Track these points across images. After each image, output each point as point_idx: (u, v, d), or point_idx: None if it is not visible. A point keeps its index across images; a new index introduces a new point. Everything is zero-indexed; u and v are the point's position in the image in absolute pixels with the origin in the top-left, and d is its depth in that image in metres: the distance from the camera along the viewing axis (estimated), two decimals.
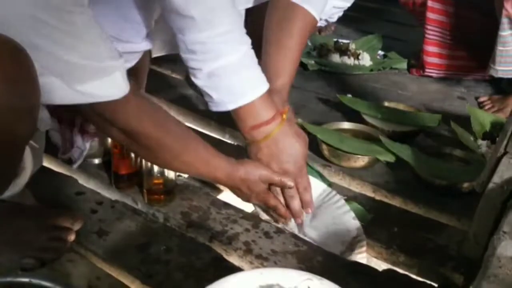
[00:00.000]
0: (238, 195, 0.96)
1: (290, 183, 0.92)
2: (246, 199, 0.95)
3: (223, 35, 0.87)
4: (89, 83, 0.70)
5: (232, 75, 0.88)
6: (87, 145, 1.05)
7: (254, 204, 1.00)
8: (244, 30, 0.91)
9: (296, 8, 0.99)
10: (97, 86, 0.71)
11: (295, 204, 0.95)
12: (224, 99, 0.90)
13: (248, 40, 0.91)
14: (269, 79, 0.95)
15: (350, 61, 1.73)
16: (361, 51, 1.76)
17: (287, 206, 0.95)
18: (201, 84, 0.91)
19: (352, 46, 1.79)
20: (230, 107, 0.91)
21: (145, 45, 1.09)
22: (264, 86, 0.91)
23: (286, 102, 1.00)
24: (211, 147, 0.90)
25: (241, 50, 0.89)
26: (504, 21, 1.36)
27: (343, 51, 1.76)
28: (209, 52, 0.87)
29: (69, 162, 1.09)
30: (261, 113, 0.91)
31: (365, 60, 1.73)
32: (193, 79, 0.92)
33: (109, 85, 0.72)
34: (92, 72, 0.70)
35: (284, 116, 0.94)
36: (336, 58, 1.73)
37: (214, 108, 0.93)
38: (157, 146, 0.83)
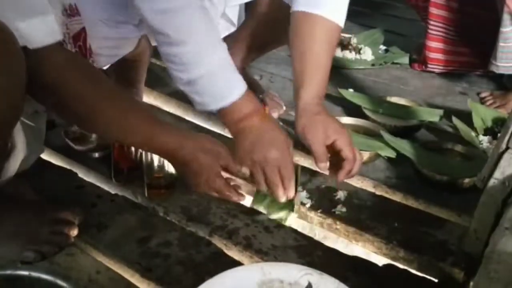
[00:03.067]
0: (187, 178, 0.88)
1: (246, 171, 0.90)
2: (196, 183, 0.87)
3: (197, 50, 0.89)
4: (25, 21, 0.66)
5: (210, 81, 0.91)
6: None
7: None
8: (218, 37, 0.93)
9: (315, 19, 0.99)
10: (31, 25, 0.67)
11: (280, 193, 0.93)
12: (206, 101, 0.93)
13: (222, 46, 0.93)
14: (296, 92, 0.98)
15: (351, 55, 1.72)
16: (362, 46, 1.75)
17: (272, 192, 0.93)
18: (183, 88, 0.94)
19: (354, 41, 1.78)
20: (212, 107, 0.93)
21: (137, 31, 1.08)
22: (242, 87, 0.93)
23: (319, 109, 0.98)
24: (159, 119, 0.86)
25: (216, 59, 0.91)
26: (506, 17, 1.35)
27: (344, 45, 1.75)
28: (185, 64, 0.90)
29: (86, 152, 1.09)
30: (243, 109, 0.93)
31: (367, 54, 1.73)
32: (175, 82, 0.94)
33: (42, 27, 0.69)
34: (27, 5, 0.67)
35: (267, 110, 0.97)
36: (337, 52, 1.73)
37: (198, 108, 0.96)
38: (86, 108, 0.76)
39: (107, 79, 0.81)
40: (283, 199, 0.92)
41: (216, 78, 0.91)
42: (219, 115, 0.95)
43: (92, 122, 0.80)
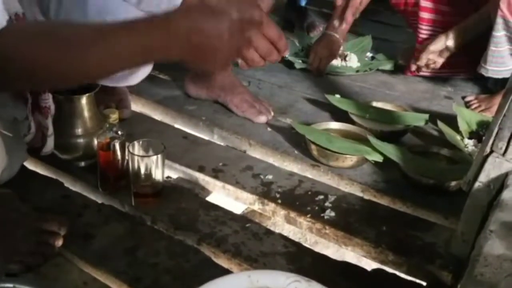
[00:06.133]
0: (198, 60, 0.67)
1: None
2: (215, 58, 0.67)
3: None
4: None
5: None
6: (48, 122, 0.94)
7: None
8: None
9: None
10: None
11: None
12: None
13: None
14: None
15: (337, 62, 1.73)
16: (348, 53, 1.76)
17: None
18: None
19: (341, 48, 1.79)
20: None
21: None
22: None
23: None
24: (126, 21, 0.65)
25: None
26: (499, 21, 1.36)
27: None
28: None
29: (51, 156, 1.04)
30: None
31: (352, 61, 1.73)
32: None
33: None
34: None
35: None
36: None
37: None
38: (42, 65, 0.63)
39: (60, 22, 0.70)
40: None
41: None
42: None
43: (71, 68, 0.65)
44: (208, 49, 0.65)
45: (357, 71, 1.70)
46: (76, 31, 0.66)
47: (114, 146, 0.98)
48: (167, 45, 0.65)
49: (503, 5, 1.33)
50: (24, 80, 0.67)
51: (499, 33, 1.37)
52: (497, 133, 0.78)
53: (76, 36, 0.65)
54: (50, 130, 0.93)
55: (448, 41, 1.49)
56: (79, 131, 1.04)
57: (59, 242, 0.85)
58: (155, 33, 0.64)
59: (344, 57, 1.73)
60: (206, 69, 0.70)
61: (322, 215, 1.00)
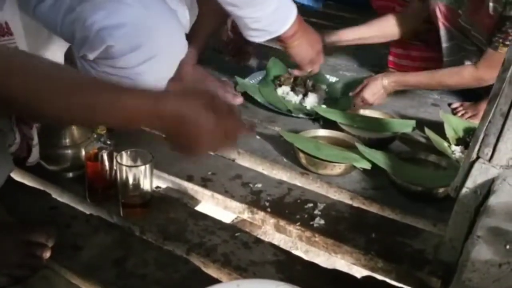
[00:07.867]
0: (176, 141, 0.69)
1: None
2: (191, 147, 0.69)
3: None
4: None
5: (277, 10, 1.14)
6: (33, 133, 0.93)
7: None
8: None
9: None
10: None
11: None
12: (273, 29, 1.17)
13: None
14: None
15: (295, 98, 1.48)
16: (317, 85, 1.50)
17: None
18: (255, 27, 1.15)
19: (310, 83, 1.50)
20: (279, 32, 1.18)
21: None
22: (295, 8, 1.18)
23: None
24: (117, 85, 0.66)
25: None
26: (443, 33, 1.41)
27: (297, 84, 1.49)
28: (258, 5, 1.12)
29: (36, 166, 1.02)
30: (296, 21, 1.19)
31: (309, 101, 1.46)
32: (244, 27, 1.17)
33: None
34: None
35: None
36: (285, 90, 1.49)
37: (257, 39, 1.20)
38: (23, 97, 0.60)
39: (42, 59, 0.66)
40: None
41: (282, 4, 1.15)
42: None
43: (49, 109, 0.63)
44: (188, 138, 0.67)
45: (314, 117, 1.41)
46: (68, 75, 0.66)
47: (102, 156, 0.97)
48: (150, 120, 0.66)
49: (440, 16, 1.38)
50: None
51: (447, 44, 1.43)
52: (483, 139, 0.79)
53: (68, 80, 0.64)
54: (35, 140, 0.93)
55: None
56: (66, 141, 1.03)
57: (47, 254, 0.84)
58: (142, 107, 0.64)
59: (306, 91, 1.48)
60: (180, 151, 0.72)
61: (311, 223, 1.01)
